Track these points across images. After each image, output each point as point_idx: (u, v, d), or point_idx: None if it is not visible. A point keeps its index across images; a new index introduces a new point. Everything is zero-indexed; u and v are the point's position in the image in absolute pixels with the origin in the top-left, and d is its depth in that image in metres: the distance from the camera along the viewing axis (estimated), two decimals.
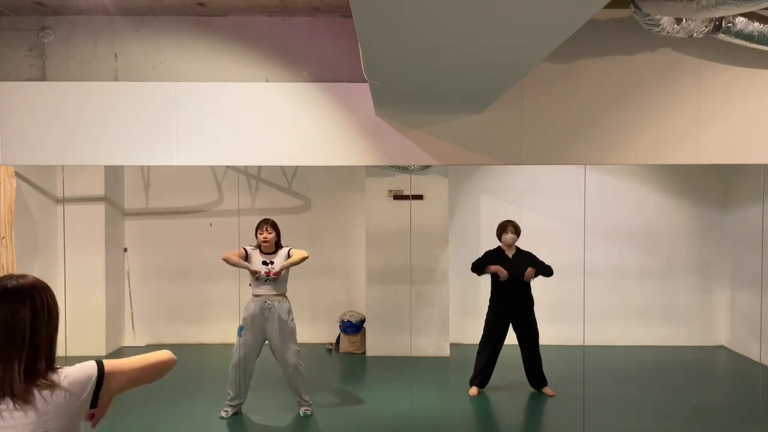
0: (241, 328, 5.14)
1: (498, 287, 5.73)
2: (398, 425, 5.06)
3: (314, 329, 7.55)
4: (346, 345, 7.31)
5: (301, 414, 5.17)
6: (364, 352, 7.19)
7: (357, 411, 5.40)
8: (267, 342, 5.18)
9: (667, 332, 7.50)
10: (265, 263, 5.11)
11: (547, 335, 7.34)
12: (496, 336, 5.71)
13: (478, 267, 5.75)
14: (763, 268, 6.09)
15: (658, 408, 5.42)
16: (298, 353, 5.14)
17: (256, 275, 5.09)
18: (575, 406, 5.25)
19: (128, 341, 7.52)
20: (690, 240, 7.53)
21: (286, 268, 5.16)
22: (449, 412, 5.38)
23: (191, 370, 6.51)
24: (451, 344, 7.14)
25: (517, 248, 5.77)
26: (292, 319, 5.16)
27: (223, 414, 5.14)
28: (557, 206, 7.41)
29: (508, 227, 5.74)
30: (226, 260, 5.12)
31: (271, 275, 5.07)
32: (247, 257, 5.17)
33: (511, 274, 5.63)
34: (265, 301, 5.09)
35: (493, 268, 5.63)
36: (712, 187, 7.50)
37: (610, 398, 5.62)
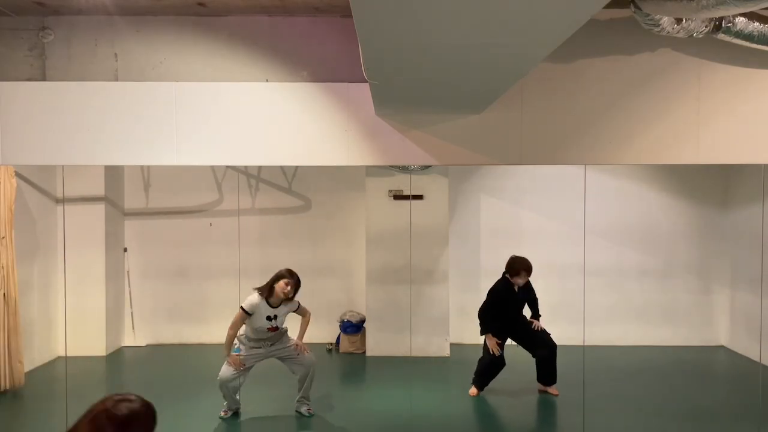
0: (237, 349, 5.13)
1: (500, 311, 5.71)
2: (398, 425, 5.06)
3: (314, 329, 7.49)
4: (346, 345, 7.31)
5: (305, 413, 5.18)
6: (364, 352, 7.19)
7: (357, 411, 5.40)
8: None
9: (667, 332, 7.50)
10: (269, 318, 5.00)
11: None
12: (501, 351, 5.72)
13: (485, 321, 5.68)
14: (763, 268, 6.09)
15: (658, 408, 5.42)
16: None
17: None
18: (575, 406, 5.25)
19: (128, 341, 7.52)
20: (690, 240, 7.53)
21: (302, 337, 5.17)
22: (449, 412, 5.38)
23: (191, 370, 6.51)
24: (451, 344, 7.14)
25: None
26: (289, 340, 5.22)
27: (223, 414, 5.15)
28: (557, 206, 7.41)
29: (522, 272, 5.56)
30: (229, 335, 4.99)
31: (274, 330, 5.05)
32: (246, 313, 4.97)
33: (514, 309, 5.72)
34: (268, 346, 5.13)
35: (491, 344, 5.60)
36: (712, 187, 7.50)
37: (610, 398, 5.62)
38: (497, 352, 5.60)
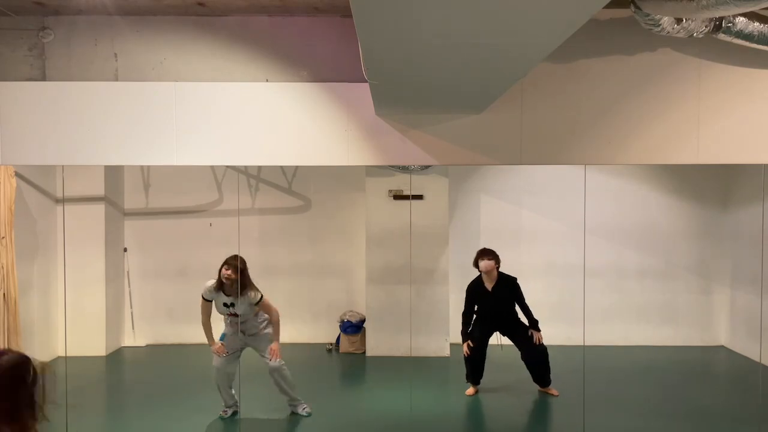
0: (223, 335, 5.17)
1: (481, 316, 5.80)
2: (398, 425, 5.06)
3: (314, 329, 7.55)
4: (346, 345, 7.31)
5: (303, 413, 5.18)
6: (364, 352, 7.19)
7: (357, 411, 5.40)
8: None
9: (667, 332, 7.50)
10: (226, 305, 5.01)
11: (547, 335, 7.32)
12: (480, 344, 5.75)
13: (463, 324, 5.80)
14: (763, 268, 6.09)
15: (658, 408, 5.42)
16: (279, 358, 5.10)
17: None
18: (575, 406, 5.25)
19: (128, 341, 7.51)
20: (690, 240, 7.53)
21: (276, 339, 5.11)
22: (449, 412, 5.38)
23: (191, 370, 6.51)
24: (451, 344, 7.13)
25: (499, 275, 5.75)
26: (265, 326, 5.15)
27: (222, 414, 5.15)
28: (557, 206, 7.41)
29: (479, 260, 5.73)
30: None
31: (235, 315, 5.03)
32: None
33: (493, 307, 5.73)
34: (245, 335, 5.11)
35: (464, 346, 5.72)
36: (712, 187, 7.50)
37: (610, 398, 5.62)
38: (466, 352, 5.69)
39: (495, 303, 5.73)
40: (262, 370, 5.33)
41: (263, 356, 5.13)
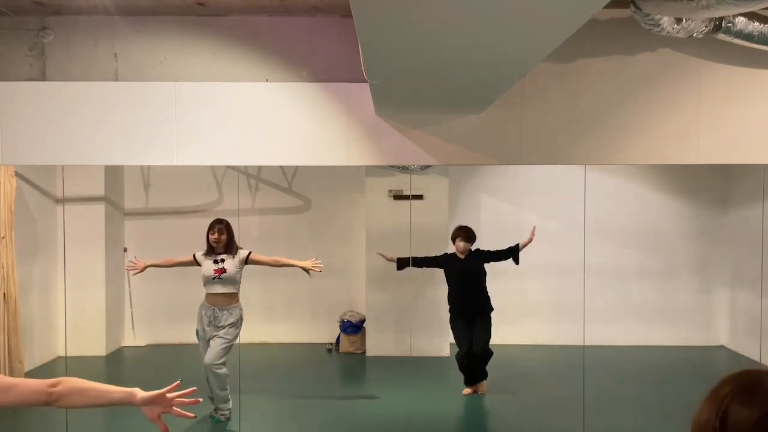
0: (197, 331, 5.16)
1: (452, 287, 5.85)
2: (398, 425, 5.06)
3: (314, 329, 7.54)
4: (346, 345, 7.31)
5: (219, 417, 5.10)
6: (364, 352, 7.19)
7: (357, 411, 5.40)
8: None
9: (667, 332, 7.50)
10: (216, 262, 5.07)
11: (547, 335, 7.33)
12: (464, 338, 5.73)
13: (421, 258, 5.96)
14: (763, 268, 6.09)
15: (658, 408, 5.42)
16: (224, 357, 4.98)
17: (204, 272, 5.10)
18: (575, 406, 5.25)
19: (128, 341, 7.52)
20: (690, 240, 7.52)
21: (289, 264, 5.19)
22: (449, 412, 5.38)
23: (191, 370, 6.51)
24: (451, 344, 7.13)
25: (470, 251, 5.82)
26: (235, 327, 5.05)
27: (221, 418, 5.09)
28: (557, 206, 7.40)
29: (457, 239, 5.81)
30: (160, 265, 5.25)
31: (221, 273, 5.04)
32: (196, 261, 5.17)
33: (464, 275, 5.76)
34: (214, 309, 5.02)
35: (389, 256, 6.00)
36: (712, 187, 7.50)
37: (610, 398, 5.62)
38: (387, 258, 5.93)
39: (465, 270, 5.78)
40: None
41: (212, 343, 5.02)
